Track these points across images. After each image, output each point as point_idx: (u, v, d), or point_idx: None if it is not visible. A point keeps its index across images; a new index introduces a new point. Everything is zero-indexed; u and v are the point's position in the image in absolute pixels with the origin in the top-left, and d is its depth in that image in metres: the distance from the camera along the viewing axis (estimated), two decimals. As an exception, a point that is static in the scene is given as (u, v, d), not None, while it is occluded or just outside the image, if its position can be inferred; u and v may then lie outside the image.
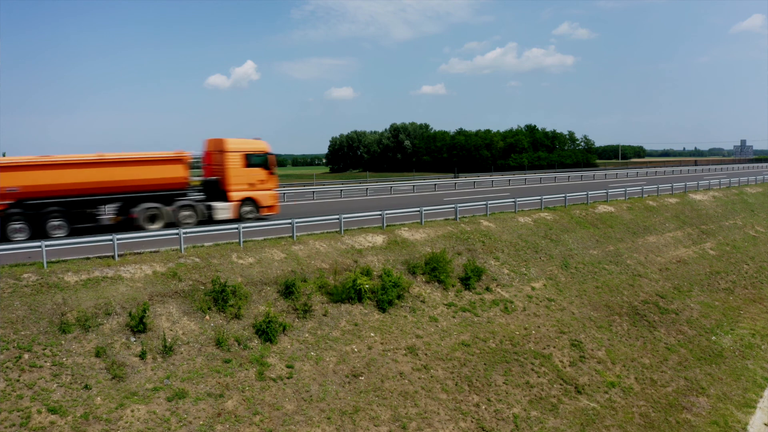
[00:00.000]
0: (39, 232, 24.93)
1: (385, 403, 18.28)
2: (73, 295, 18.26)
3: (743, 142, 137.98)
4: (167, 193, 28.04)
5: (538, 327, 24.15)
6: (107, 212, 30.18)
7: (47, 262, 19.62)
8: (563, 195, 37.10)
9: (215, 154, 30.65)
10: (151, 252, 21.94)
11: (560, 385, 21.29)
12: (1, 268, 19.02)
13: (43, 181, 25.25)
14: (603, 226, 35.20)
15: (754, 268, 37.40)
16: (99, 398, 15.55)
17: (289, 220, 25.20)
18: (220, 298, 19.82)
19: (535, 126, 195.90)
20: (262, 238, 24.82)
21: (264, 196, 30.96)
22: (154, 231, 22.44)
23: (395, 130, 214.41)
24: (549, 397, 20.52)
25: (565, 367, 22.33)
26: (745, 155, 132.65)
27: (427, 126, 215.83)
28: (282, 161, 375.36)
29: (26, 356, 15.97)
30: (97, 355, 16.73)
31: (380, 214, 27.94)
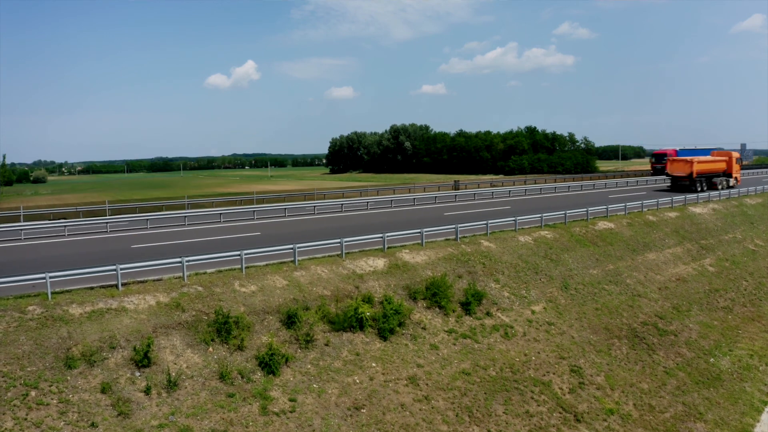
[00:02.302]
0: (700, 189, 57.94)
1: (386, 436, 18.48)
2: (78, 329, 18.46)
3: (743, 145, 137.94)
4: (721, 173, 62.86)
5: (538, 353, 24.35)
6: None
7: (51, 293, 19.82)
8: (563, 212, 37.25)
9: (727, 158, 64.15)
10: (154, 281, 22.14)
11: (559, 413, 21.49)
12: (7, 300, 19.24)
13: (702, 168, 59.83)
14: (603, 244, 35.39)
15: (753, 285, 37.58)
16: (105, 437, 15.75)
17: (291, 246, 25.40)
18: (223, 329, 20.02)
19: (535, 128, 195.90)
20: (264, 263, 25.02)
21: (739, 176, 65.76)
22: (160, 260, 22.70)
23: (395, 132, 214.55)
24: (548, 426, 20.72)
25: (564, 395, 22.54)
26: (744, 159, 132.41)
27: (427, 127, 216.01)
28: (281, 161, 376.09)
29: (33, 393, 16.17)
30: (103, 391, 16.92)
31: (381, 237, 28.12)
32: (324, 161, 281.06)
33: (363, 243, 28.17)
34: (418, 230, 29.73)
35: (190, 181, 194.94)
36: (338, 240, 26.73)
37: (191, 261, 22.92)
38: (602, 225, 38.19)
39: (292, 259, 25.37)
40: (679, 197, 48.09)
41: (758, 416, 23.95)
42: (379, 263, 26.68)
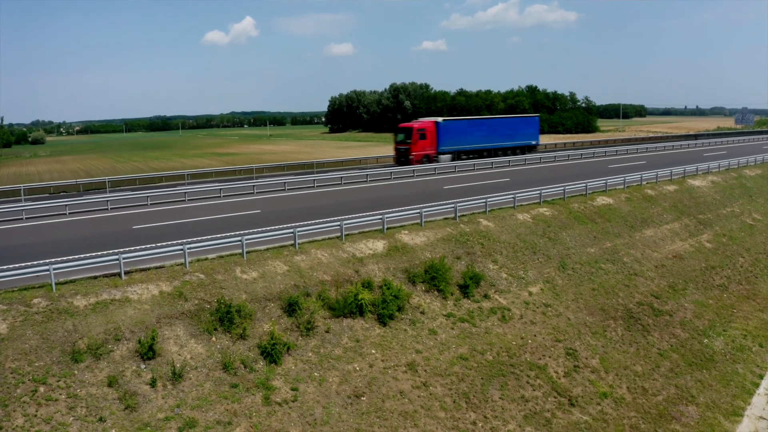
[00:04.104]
0: None
1: (386, 424, 19.03)
2: (83, 321, 18.80)
3: (744, 109, 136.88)
4: None
5: (534, 336, 24.82)
6: None
7: (55, 284, 20.07)
8: (562, 188, 37.33)
9: None
10: (156, 268, 22.37)
11: (554, 398, 22.05)
12: (12, 293, 19.52)
13: None
14: (601, 221, 35.59)
15: (750, 261, 37.94)
16: (114, 431, 16.25)
17: (291, 231, 25.60)
18: (226, 318, 20.38)
19: (536, 87, 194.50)
20: (264, 248, 25.23)
21: None
22: (161, 248, 22.97)
23: (395, 90, 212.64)
24: (543, 411, 21.30)
25: (559, 378, 23.08)
26: (746, 123, 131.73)
27: (427, 86, 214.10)
28: (280, 120, 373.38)
29: (42, 389, 16.59)
30: (110, 384, 17.36)
31: (381, 219, 28.30)
32: (323, 120, 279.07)
33: (363, 225, 28.33)
34: (417, 211, 29.89)
35: (189, 141, 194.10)
36: (338, 222, 26.93)
37: (193, 247, 23.12)
38: (601, 200, 38.32)
39: (293, 242, 25.58)
40: (678, 169, 48.03)
41: (749, 399, 24.55)
42: (379, 245, 26.92)
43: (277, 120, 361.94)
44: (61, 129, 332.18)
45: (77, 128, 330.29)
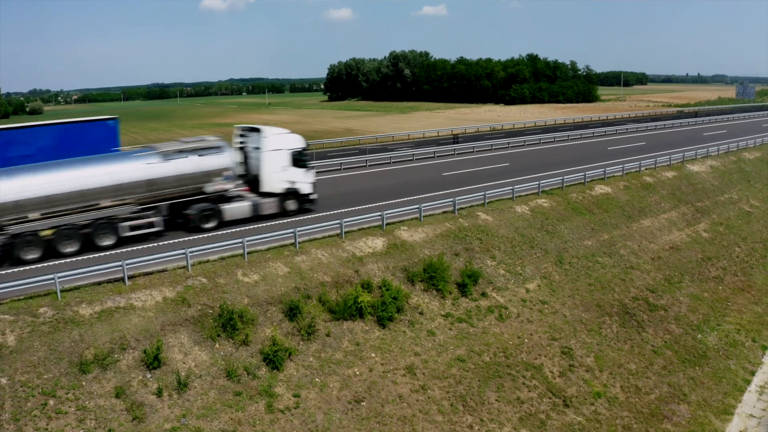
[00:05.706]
0: None
1: (385, 429, 19.64)
2: (89, 330, 19.20)
3: (744, 82, 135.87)
4: None
5: (531, 334, 25.32)
6: None
7: (60, 291, 20.38)
8: (561, 177, 37.49)
9: None
10: (159, 272, 22.68)
11: (549, 398, 22.65)
12: (18, 302, 19.87)
13: None
14: (599, 211, 35.84)
15: (746, 251, 38.34)
16: (121, 443, 16.80)
17: (291, 230, 25.87)
18: (229, 324, 20.78)
19: (536, 56, 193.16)
20: (266, 247, 25.50)
21: None
22: (163, 251, 23.19)
23: (395, 58, 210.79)
24: (538, 413, 21.91)
25: (554, 378, 23.65)
26: (746, 96, 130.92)
27: (427, 54, 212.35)
28: (279, 87, 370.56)
29: (51, 402, 17.07)
30: (117, 395, 17.84)
31: (380, 215, 28.56)
32: (322, 87, 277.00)
33: (362, 222, 28.54)
34: (416, 206, 30.12)
35: (188, 111, 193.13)
36: (338, 221, 27.17)
37: (194, 251, 23.41)
38: (599, 189, 38.50)
39: (293, 242, 25.86)
40: (677, 154, 48.07)
41: (740, 396, 25.17)
42: (378, 243, 27.23)
43: (275, 87, 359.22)
44: (59, 98, 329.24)
45: (75, 97, 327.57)
